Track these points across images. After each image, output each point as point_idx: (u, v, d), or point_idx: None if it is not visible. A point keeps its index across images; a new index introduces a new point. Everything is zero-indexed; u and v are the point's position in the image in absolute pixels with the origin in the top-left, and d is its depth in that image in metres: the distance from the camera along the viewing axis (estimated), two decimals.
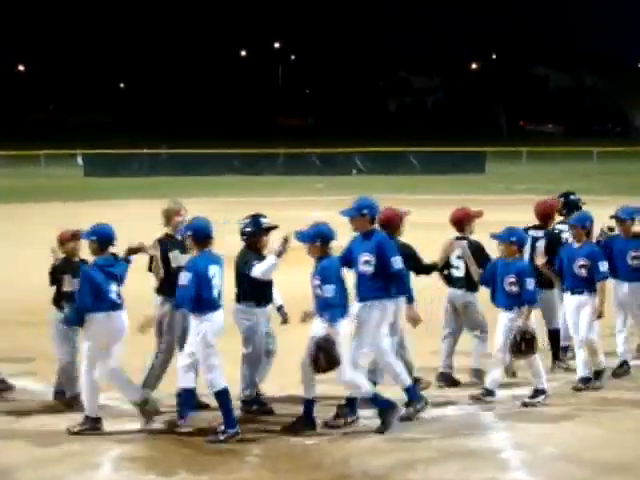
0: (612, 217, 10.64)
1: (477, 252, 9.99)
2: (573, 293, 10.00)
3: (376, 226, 9.13)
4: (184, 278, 8.50)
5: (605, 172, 46.82)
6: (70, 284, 9.31)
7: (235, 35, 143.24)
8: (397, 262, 8.83)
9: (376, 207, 9.17)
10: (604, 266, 9.90)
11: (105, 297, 8.66)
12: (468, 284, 10.06)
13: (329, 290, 8.56)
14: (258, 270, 9.10)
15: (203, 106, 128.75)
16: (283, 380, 9.72)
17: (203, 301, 8.53)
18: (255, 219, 9.57)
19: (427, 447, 8.28)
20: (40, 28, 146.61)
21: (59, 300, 9.44)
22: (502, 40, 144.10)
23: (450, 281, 10.23)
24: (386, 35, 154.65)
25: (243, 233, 9.50)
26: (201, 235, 8.73)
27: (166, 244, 9.45)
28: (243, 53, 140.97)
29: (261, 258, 9.24)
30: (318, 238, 8.82)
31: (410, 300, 9.44)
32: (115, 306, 8.73)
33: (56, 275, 9.51)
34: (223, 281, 8.76)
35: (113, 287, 8.75)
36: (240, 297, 9.37)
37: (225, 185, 43.82)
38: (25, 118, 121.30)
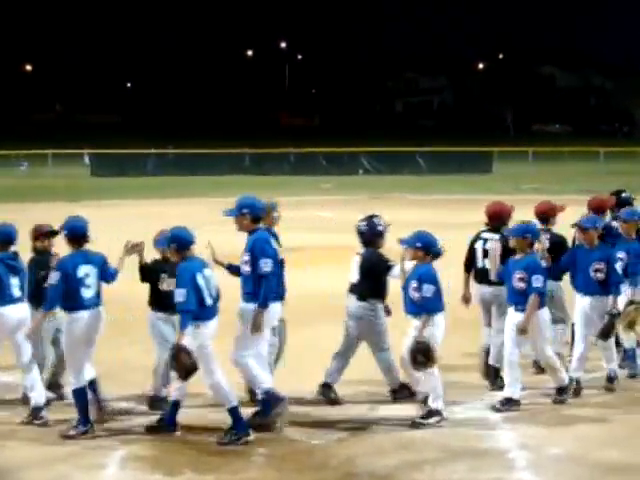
0: (574, 225, 10.06)
1: (557, 246, 10.16)
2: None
3: (260, 225, 8.91)
4: (53, 277, 8.60)
5: (612, 172, 46.71)
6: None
7: (241, 35, 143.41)
8: (266, 265, 8.59)
9: (258, 206, 8.95)
10: (538, 280, 9.17)
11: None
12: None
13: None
14: (396, 271, 9.30)
15: (209, 106, 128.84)
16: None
17: (72, 299, 8.59)
18: (371, 221, 9.70)
19: (433, 447, 8.27)
20: (46, 27, 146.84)
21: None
22: (509, 40, 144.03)
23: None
24: (393, 35, 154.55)
25: (360, 232, 9.65)
26: (76, 235, 8.82)
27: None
28: (249, 53, 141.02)
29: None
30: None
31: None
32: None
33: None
34: (98, 280, 8.76)
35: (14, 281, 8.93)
36: (365, 295, 9.43)
37: (231, 185, 43.81)
38: (32, 117, 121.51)
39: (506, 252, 9.65)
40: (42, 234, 9.64)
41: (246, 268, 8.72)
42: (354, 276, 9.56)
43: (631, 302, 9.91)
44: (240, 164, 53.69)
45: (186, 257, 8.57)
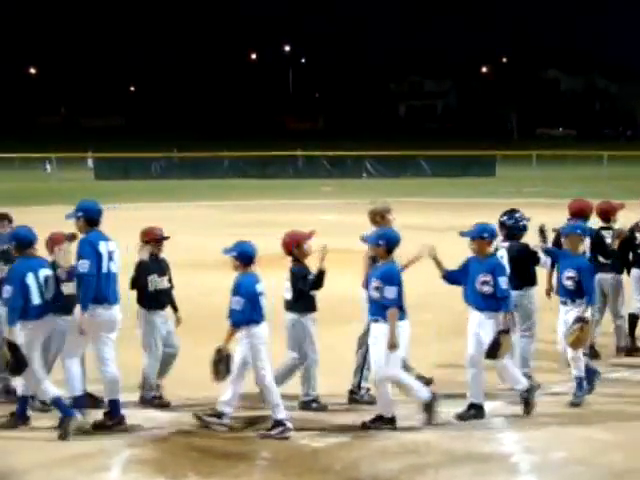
0: (462, 234, 9.41)
1: (625, 241, 10.93)
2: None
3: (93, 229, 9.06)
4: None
5: (615, 176, 46.72)
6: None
7: (245, 38, 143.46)
8: (82, 266, 8.70)
9: (93, 210, 9.09)
10: (391, 292, 8.71)
11: None
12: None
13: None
14: (543, 260, 10.03)
15: (213, 109, 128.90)
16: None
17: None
18: (514, 215, 10.29)
19: (437, 451, 8.26)
20: (51, 31, 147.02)
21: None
22: (513, 43, 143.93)
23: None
24: (397, 38, 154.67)
25: (505, 226, 10.10)
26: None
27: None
28: (253, 56, 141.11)
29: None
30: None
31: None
32: None
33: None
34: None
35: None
36: (520, 284, 9.85)
37: (235, 188, 43.90)
38: (37, 121, 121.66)
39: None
40: (154, 239, 9.72)
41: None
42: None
43: (579, 319, 9.38)
44: (243, 167, 53.78)
45: (25, 255, 8.80)
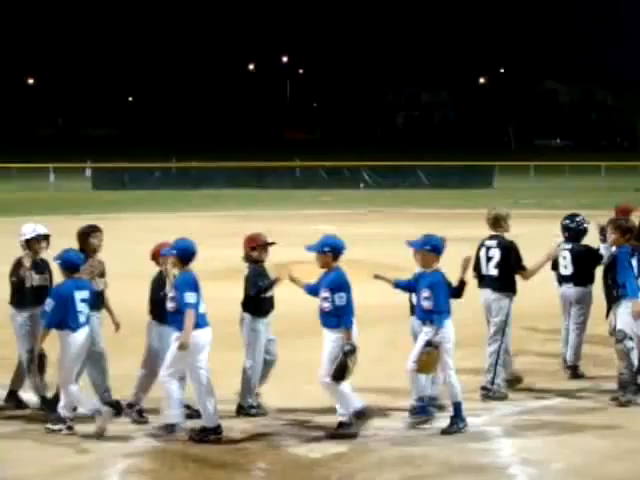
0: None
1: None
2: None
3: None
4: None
5: (613, 187, 46.76)
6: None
7: (243, 49, 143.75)
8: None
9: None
10: (188, 297, 8.69)
11: None
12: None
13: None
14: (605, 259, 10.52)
15: (211, 120, 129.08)
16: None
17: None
18: (577, 219, 10.96)
19: (434, 462, 8.23)
20: (49, 41, 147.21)
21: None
22: (510, 54, 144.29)
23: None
24: (394, 50, 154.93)
25: (568, 229, 10.84)
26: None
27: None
28: (251, 67, 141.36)
29: None
30: None
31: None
32: None
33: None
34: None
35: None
36: (583, 282, 10.78)
37: (232, 198, 43.91)
38: (36, 132, 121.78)
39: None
40: (259, 245, 9.67)
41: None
42: (568, 268, 10.74)
43: (429, 344, 8.92)
44: (241, 178, 53.78)
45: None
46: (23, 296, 9.55)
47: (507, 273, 10.02)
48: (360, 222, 31.01)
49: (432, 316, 8.90)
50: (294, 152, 66.25)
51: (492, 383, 9.98)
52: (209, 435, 8.68)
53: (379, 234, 26.09)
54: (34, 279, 9.55)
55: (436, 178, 53.65)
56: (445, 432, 8.90)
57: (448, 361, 8.96)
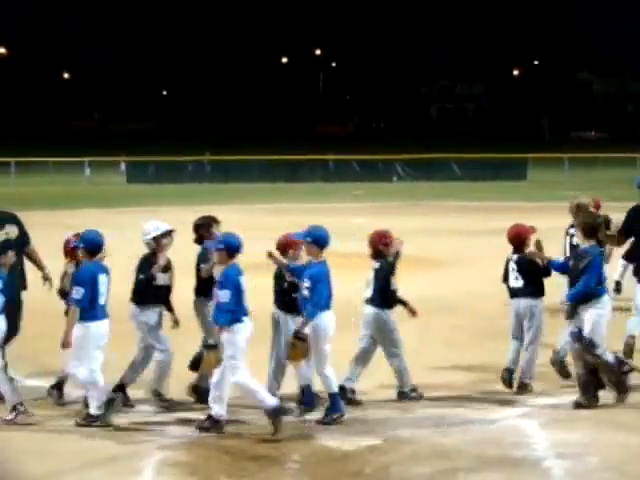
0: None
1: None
2: None
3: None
4: None
5: None
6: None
7: (276, 42, 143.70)
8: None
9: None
10: (74, 291, 8.92)
11: None
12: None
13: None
14: None
15: (244, 113, 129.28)
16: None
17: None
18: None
19: (468, 455, 8.21)
20: (83, 35, 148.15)
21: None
22: (545, 46, 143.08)
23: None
24: (428, 42, 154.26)
25: None
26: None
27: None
28: (284, 60, 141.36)
29: None
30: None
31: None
32: None
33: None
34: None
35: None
36: None
37: (265, 192, 43.97)
38: (71, 125, 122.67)
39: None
40: (391, 241, 9.82)
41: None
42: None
43: (296, 333, 9.03)
44: (274, 171, 53.77)
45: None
46: (148, 294, 9.53)
47: None
48: (393, 215, 30.90)
49: (307, 306, 8.97)
50: (327, 145, 66.17)
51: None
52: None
53: (412, 227, 25.93)
54: (160, 278, 9.56)
55: (470, 171, 53.33)
56: (320, 422, 8.96)
57: (322, 353, 9.01)
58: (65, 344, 8.92)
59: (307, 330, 8.98)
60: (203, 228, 9.98)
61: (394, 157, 55.78)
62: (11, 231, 9.89)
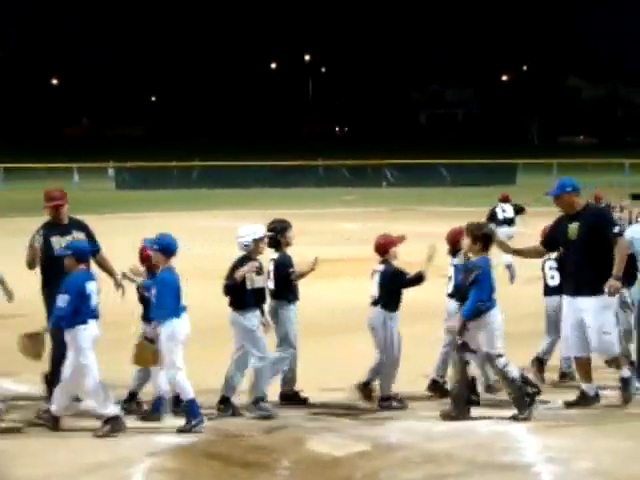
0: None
1: None
2: None
3: None
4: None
5: (637, 184, 46.42)
6: None
7: (266, 47, 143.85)
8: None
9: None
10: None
11: None
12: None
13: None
14: None
15: (234, 119, 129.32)
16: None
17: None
18: None
19: (458, 461, 8.21)
20: (72, 41, 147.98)
21: None
22: (534, 51, 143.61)
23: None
24: (418, 47, 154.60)
25: None
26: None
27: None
28: (273, 65, 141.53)
29: None
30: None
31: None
32: None
33: None
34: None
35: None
36: None
37: (255, 197, 43.99)
38: (61, 132, 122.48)
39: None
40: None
41: None
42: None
43: (144, 337, 9.23)
44: (263, 177, 53.85)
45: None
46: (247, 298, 9.43)
47: None
48: (383, 220, 30.97)
49: (154, 312, 9.03)
50: (316, 151, 66.24)
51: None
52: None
53: (402, 232, 26.00)
54: (255, 280, 9.46)
55: (459, 176, 53.50)
56: (180, 430, 8.90)
57: (175, 359, 8.98)
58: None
59: (160, 335, 8.97)
60: (280, 232, 9.87)
61: (384, 162, 55.91)
62: (78, 237, 9.80)
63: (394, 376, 9.74)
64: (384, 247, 9.82)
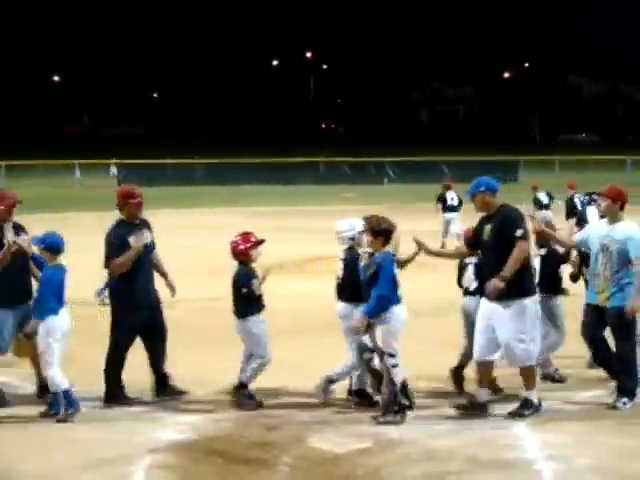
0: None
1: None
2: None
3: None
4: None
5: (638, 181, 46.38)
6: None
7: (267, 45, 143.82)
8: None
9: None
10: None
11: None
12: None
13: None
14: None
15: (235, 115, 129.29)
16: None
17: None
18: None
19: (459, 458, 8.20)
20: (73, 39, 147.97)
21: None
22: (535, 49, 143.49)
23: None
24: (419, 45, 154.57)
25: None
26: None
27: None
28: (275, 63, 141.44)
29: None
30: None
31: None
32: None
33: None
34: None
35: None
36: None
37: (256, 194, 43.98)
38: (62, 130, 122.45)
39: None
40: None
41: None
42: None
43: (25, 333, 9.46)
44: (264, 174, 53.84)
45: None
46: (355, 289, 9.37)
47: None
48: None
49: (36, 307, 9.27)
50: (317, 148, 66.22)
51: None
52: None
53: (403, 230, 25.96)
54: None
55: (460, 173, 53.41)
56: (59, 420, 9.13)
57: (49, 353, 9.18)
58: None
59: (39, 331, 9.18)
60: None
61: (385, 160, 55.89)
62: (149, 236, 9.99)
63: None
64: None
